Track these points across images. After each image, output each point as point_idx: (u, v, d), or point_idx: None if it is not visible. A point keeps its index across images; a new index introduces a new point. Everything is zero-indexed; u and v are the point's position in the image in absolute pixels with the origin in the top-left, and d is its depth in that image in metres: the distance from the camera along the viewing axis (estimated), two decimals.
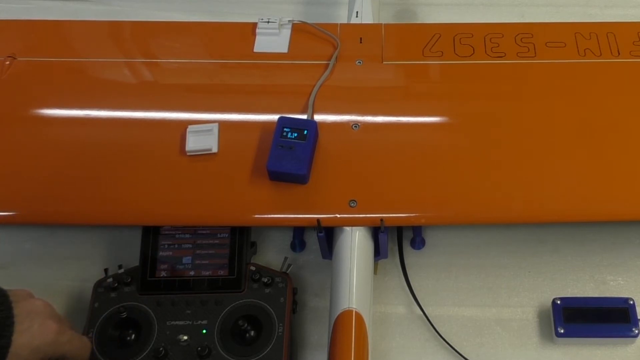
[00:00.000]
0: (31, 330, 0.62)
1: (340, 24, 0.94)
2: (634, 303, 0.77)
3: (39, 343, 0.62)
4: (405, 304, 0.81)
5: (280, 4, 1.08)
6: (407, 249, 0.85)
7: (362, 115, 0.84)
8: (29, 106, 0.86)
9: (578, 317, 0.76)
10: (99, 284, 0.78)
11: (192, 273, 0.78)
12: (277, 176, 0.78)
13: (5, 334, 0.60)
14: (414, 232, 0.85)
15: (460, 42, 0.91)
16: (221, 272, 0.77)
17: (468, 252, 0.85)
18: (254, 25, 0.93)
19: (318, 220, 0.76)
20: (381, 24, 0.95)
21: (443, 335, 0.78)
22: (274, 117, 0.81)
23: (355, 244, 0.76)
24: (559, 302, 0.77)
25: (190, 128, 0.82)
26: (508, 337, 0.79)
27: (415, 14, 1.08)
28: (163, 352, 0.72)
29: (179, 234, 0.80)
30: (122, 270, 0.79)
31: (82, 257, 0.85)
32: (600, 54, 0.89)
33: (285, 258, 0.81)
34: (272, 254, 0.85)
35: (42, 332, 0.62)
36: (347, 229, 0.77)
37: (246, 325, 0.73)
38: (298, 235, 0.85)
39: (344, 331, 0.69)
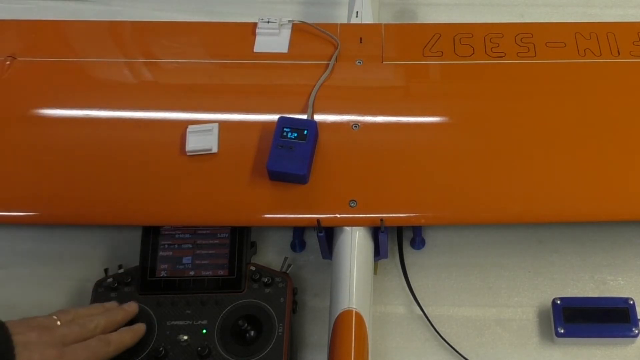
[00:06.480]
0: None
1: (340, 24, 0.94)
2: (634, 303, 0.77)
3: None
4: (405, 304, 0.81)
5: (280, 4, 1.08)
6: (407, 249, 0.85)
7: (362, 115, 0.84)
8: (29, 106, 0.86)
9: (578, 317, 0.76)
10: (99, 284, 0.78)
11: (192, 273, 0.78)
12: (277, 176, 0.78)
13: None
14: (414, 232, 0.85)
15: (460, 42, 0.91)
16: (221, 272, 0.77)
17: (468, 252, 0.85)
18: (254, 25, 0.93)
19: (318, 220, 0.76)
20: (381, 24, 0.95)
21: (443, 335, 0.78)
22: (274, 117, 0.81)
23: (355, 244, 0.76)
24: (559, 302, 0.77)
25: (190, 128, 0.82)
26: (508, 337, 0.79)
27: (415, 14, 1.08)
28: (163, 352, 0.72)
29: (179, 234, 0.80)
30: (122, 270, 0.79)
31: (82, 257, 0.85)
32: (600, 54, 0.89)
33: (285, 258, 0.81)
34: (272, 254, 0.85)
35: None
36: (347, 229, 0.76)
37: (246, 325, 0.73)
38: (298, 235, 0.85)
39: (344, 331, 0.69)
